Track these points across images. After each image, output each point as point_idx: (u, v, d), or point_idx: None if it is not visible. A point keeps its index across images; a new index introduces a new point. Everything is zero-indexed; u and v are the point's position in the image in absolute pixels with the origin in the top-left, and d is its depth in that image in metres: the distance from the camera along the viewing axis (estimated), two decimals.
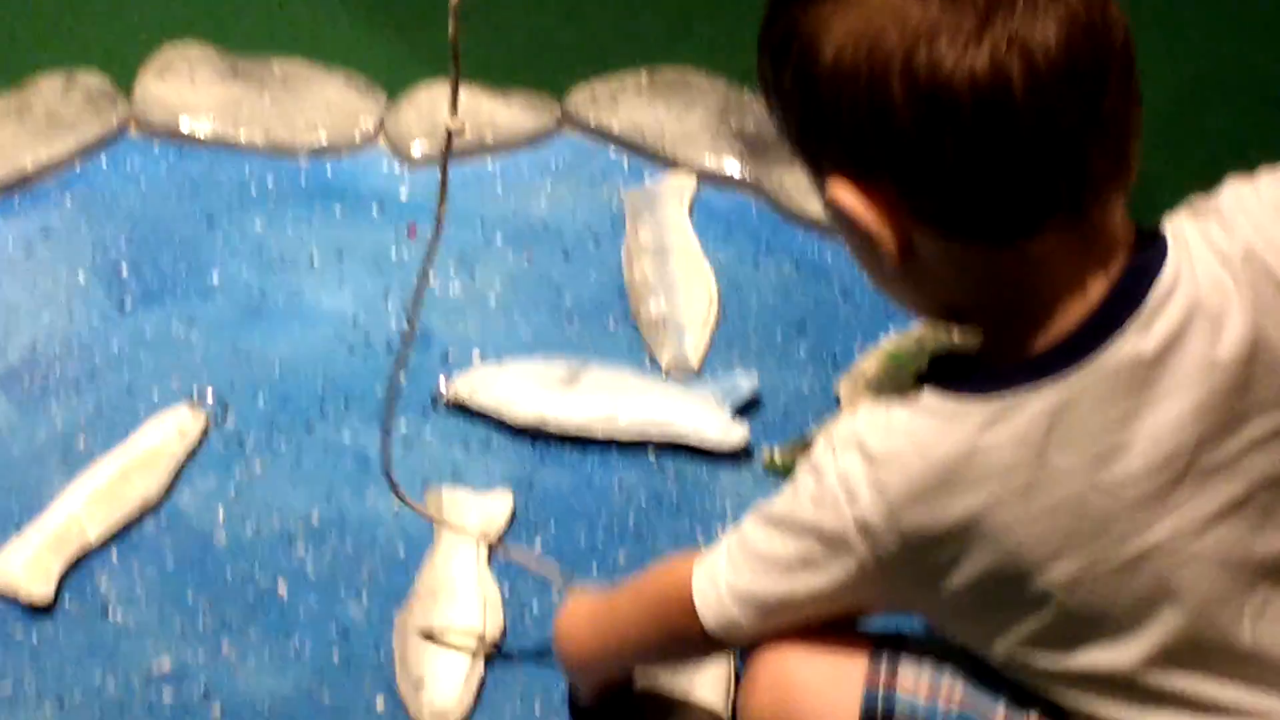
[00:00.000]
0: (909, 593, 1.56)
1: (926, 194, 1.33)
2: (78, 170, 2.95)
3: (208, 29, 3.21)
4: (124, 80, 3.07)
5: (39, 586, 2.31)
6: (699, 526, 2.46)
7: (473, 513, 2.42)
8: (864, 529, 1.44)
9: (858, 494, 1.42)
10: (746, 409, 2.53)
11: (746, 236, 2.82)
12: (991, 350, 1.46)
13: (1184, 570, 1.43)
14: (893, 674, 1.67)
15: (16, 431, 2.57)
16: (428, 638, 2.28)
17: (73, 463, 2.52)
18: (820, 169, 1.40)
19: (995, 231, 1.35)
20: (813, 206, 2.77)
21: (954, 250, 1.37)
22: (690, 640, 1.71)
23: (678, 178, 2.86)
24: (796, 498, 1.54)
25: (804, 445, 2.50)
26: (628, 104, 3.03)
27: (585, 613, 1.96)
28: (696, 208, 2.87)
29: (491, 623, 2.31)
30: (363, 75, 3.10)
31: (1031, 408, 1.36)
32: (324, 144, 2.94)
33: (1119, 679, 1.49)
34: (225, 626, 2.34)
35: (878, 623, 1.82)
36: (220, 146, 3.00)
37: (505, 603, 2.38)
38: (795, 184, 2.83)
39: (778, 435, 2.53)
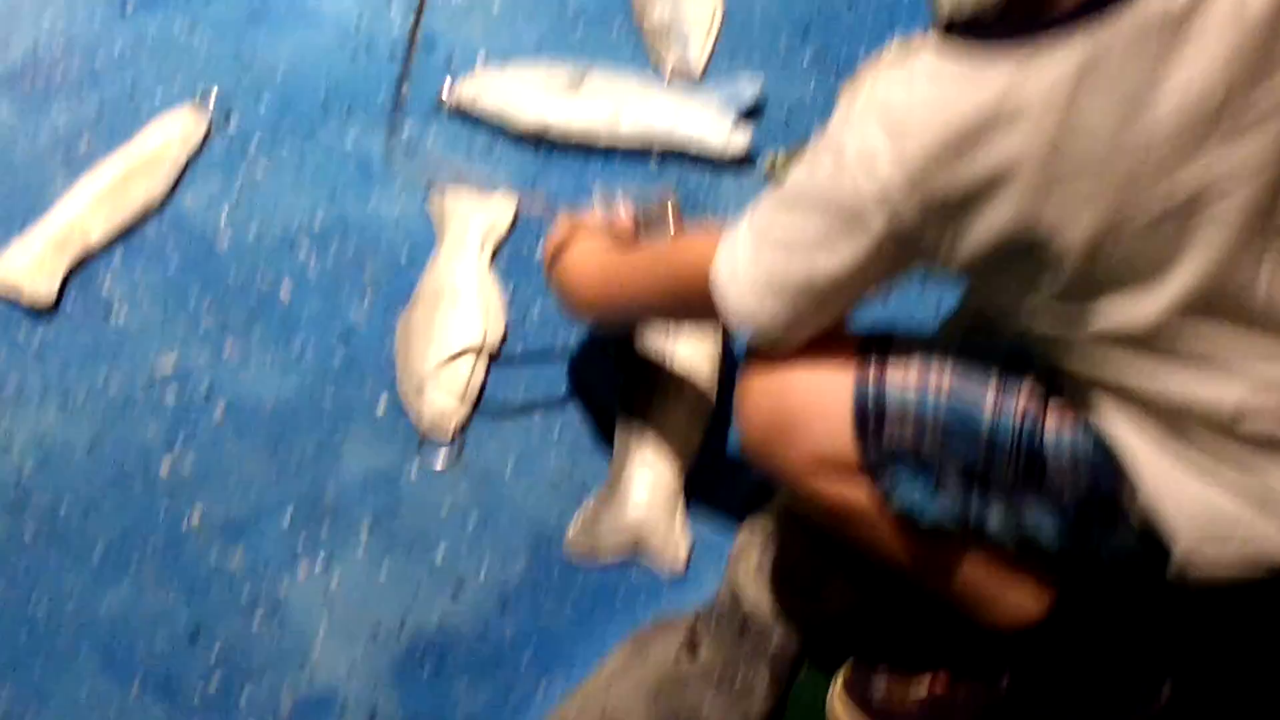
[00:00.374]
0: (926, 263, 1.56)
1: None
2: None
3: None
4: None
5: (42, 287, 2.32)
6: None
7: (476, 214, 2.43)
8: (883, 201, 1.45)
9: (877, 167, 1.43)
10: (749, 115, 2.51)
11: None
12: (1018, 4, 1.42)
13: (1208, 222, 1.45)
14: (881, 370, 1.68)
15: (18, 133, 2.55)
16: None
17: (75, 165, 2.51)
18: None
19: None
20: None
21: None
22: (702, 318, 1.76)
23: None
24: (814, 176, 1.53)
25: (806, 151, 2.45)
26: None
27: (598, 263, 1.95)
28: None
29: (493, 325, 2.33)
30: None
31: (1060, 58, 1.36)
32: None
33: (1137, 336, 1.51)
34: (228, 328, 2.36)
35: (866, 322, 1.84)
36: None
37: (508, 305, 2.40)
38: None
39: (780, 141, 2.52)
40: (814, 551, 2.19)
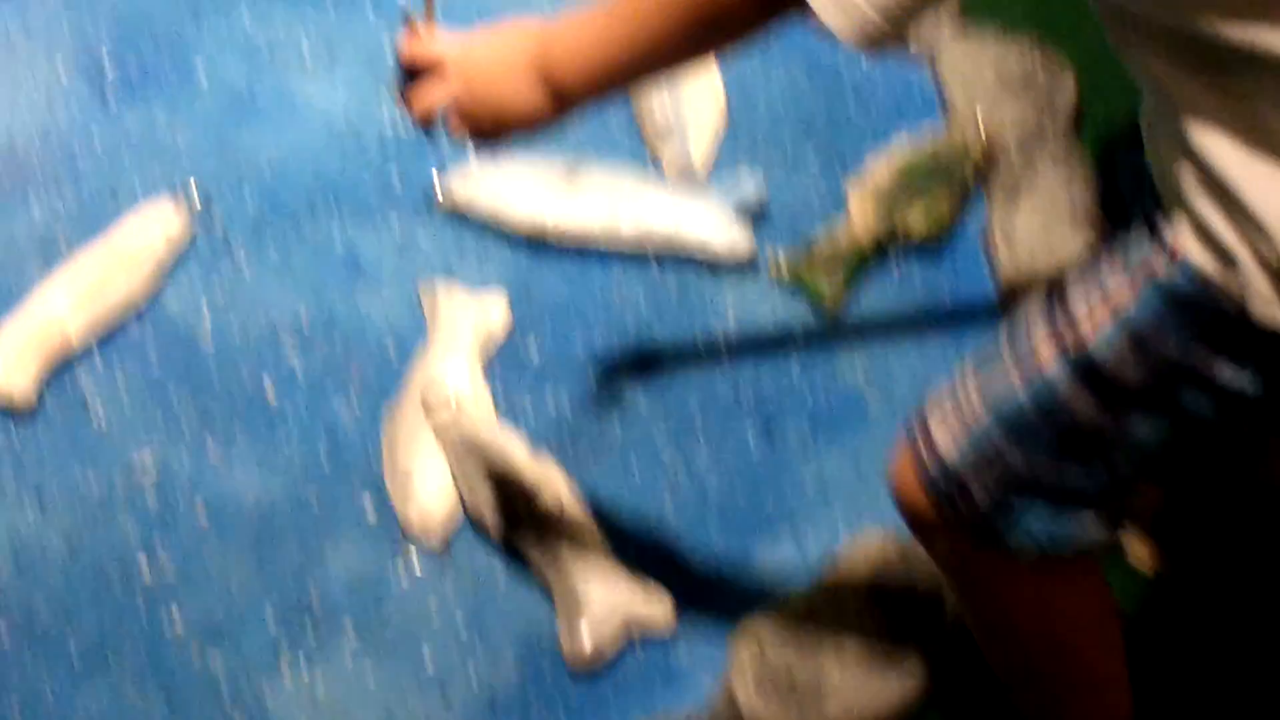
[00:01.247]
0: None
1: None
2: None
3: None
4: None
5: (19, 386, 2.35)
6: (700, 336, 2.47)
7: (468, 312, 2.44)
8: None
9: None
10: (752, 215, 2.53)
11: (763, 60, 2.77)
12: None
13: None
14: (929, 441, 1.73)
15: None
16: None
17: (53, 261, 2.54)
18: None
19: None
20: None
21: None
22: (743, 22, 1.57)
23: None
24: None
25: (811, 254, 2.53)
26: None
27: (558, 32, 1.70)
28: None
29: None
30: None
31: None
32: None
33: None
34: (211, 428, 2.38)
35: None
36: None
37: (497, 405, 2.41)
38: None
39: (785, 242, 2.54)
40: (811, 655, 2.21)
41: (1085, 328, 1.63)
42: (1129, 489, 1.76)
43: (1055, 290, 1.67)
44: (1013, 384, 1.68)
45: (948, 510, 1.72)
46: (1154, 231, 1.57)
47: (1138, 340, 1.59)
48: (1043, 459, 1.68)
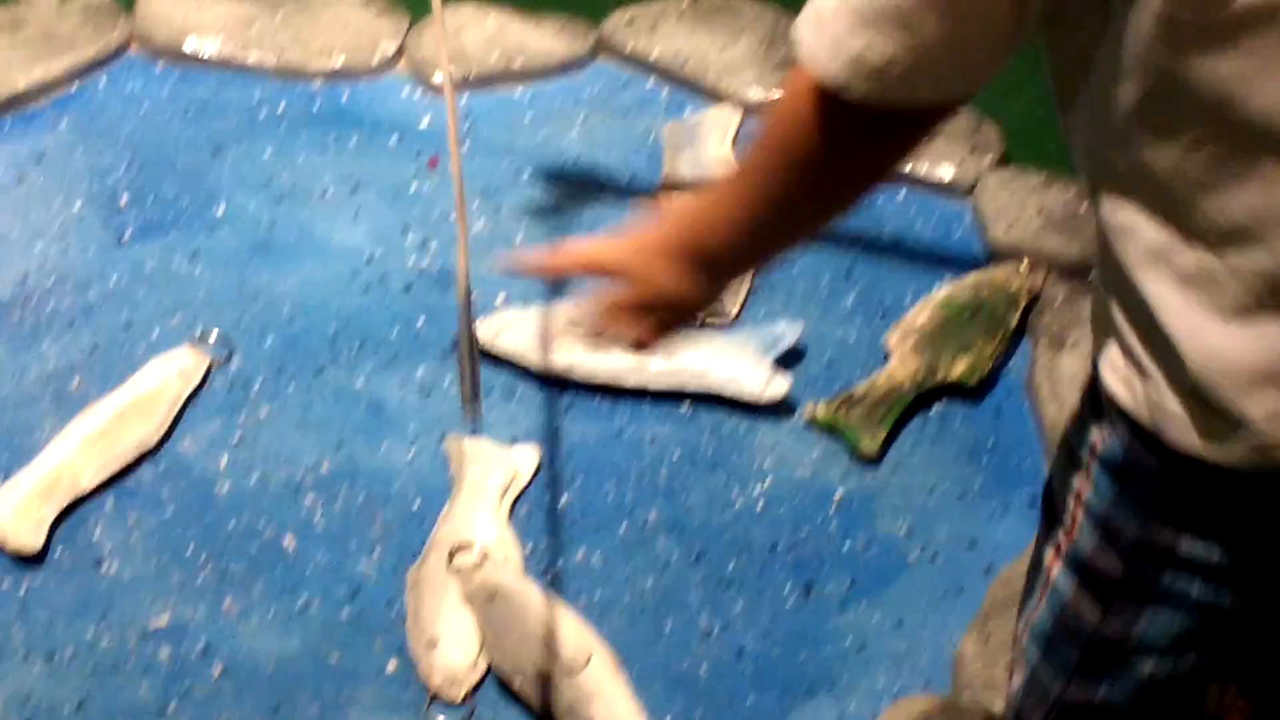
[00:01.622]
0: None
1: None
2: (74, 91, 2.94)
3: None
4: None
5: (28, 536, 2.32)
6: (735, 484, 2.46)
7: (496, 462, 2.43)
8: None
9: None
10: (788, 360, 2.54)
11: None
12: None
13: None
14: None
15: (6, 370, 2.56)
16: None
17: (66, 405, 2.51)
18: None
19: None
20: None
21: None
22: (832, 134, 1.53)
23: (721, 110, 2.84)
24: None
25: (850, 399, 2.52)
26: (668, 31, 3.01)
27: (696, 208, 1.70)
28: (740, 143, 2.84)
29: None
30: None
31: None
32: (340, 68, 2.94)
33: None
34: (227, 581, 2.34)
35: None
36: (228, 68, 2.97)
37: (526, 561, 2.38)
38: None
39: (821, 389, 2.54)
40: None
41: (1070, 526, 1.67)
42: (1175, 696, 1.76)
43: (1046, 497, 1.70)
44: (1040, 603, 1.72)
45: None
46: (1094, 399, 1.59)
47: (1105, 528, 1.62)
48: (1075, 679, 1.71)
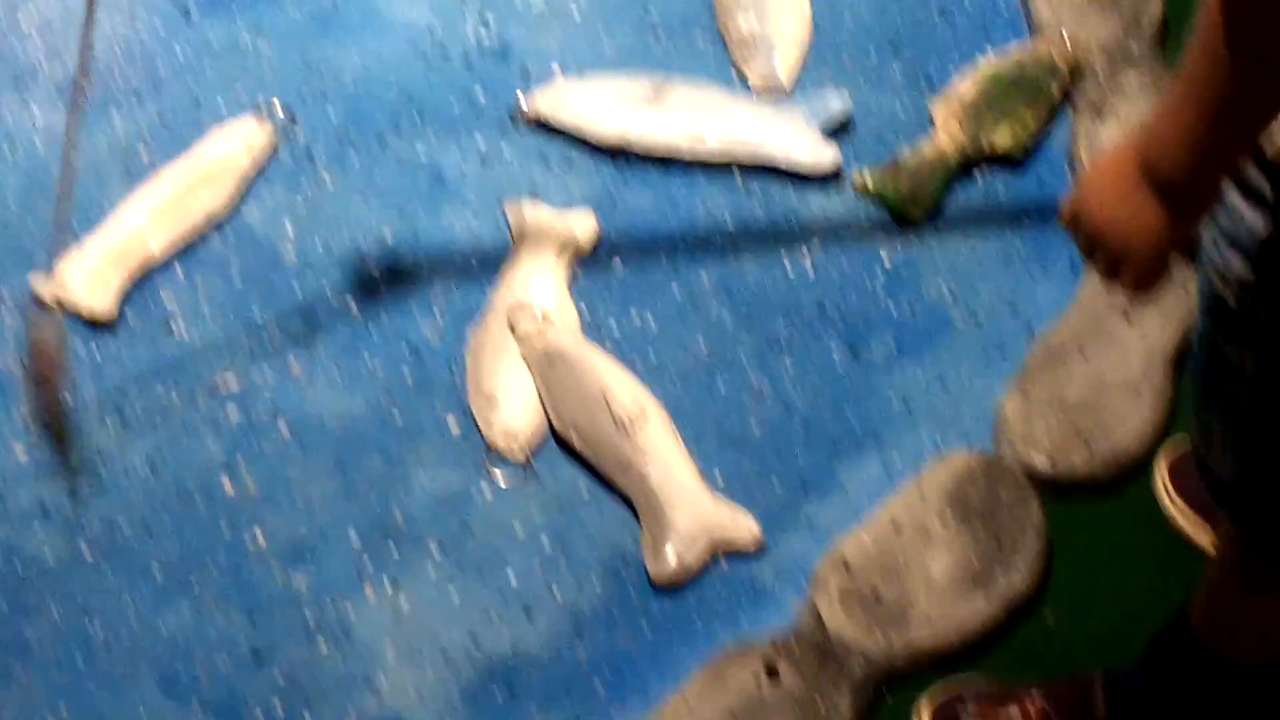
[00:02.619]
0: None
1: None
2: None
3: None
4: None
5: (100, 301, 2.34)
6: (785, 251, 2.48)
7: (554, 229, 2.44)
8: None
9: None
10: (838, 130, 2.54)
11: None
12: None
13: None
14: None
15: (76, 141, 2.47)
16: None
17: (135, 174, 2.53)
18: None
19: None
20: None
21: None
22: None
23: None
24: None
25: (897, 168, 2.54)
26: None
27: (1142, 145, 1.57)
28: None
29: None
30: None
31: None
32: None
33: None
34: (294, 344, 2.37)
35: None
36: None
37: (583, 324, 2.41)
38: None
39: (870, 158, 2.54)
40: (897, 575, 2.24)
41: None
42: None
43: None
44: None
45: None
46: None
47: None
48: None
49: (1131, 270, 1.60)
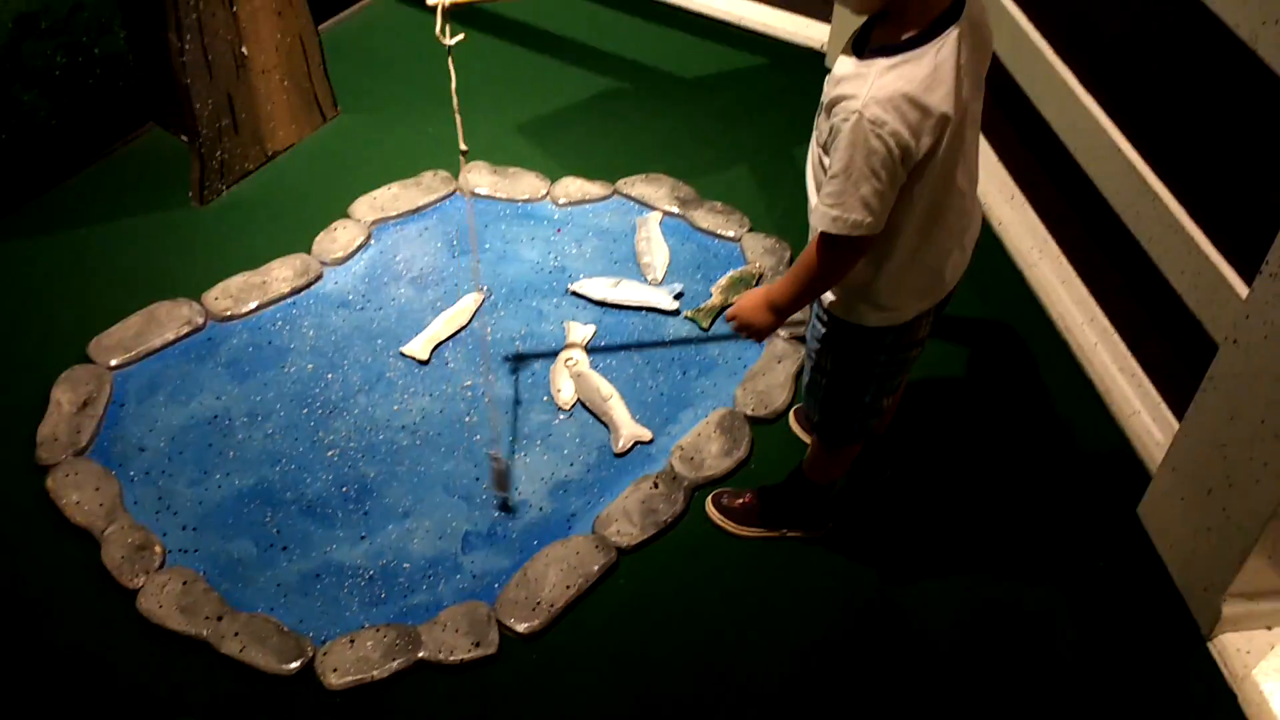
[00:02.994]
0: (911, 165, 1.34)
1: None
2: None
3: None
4: None
5: (423, 353, 2.36)
6: (660, 338, 2.57)
7: (582, 331, 2.55)
8: (900, 141, 1.30)
9: (888, 123, 1.28)
10: (679, 296, 2.65)
11: (678, 238, 2.81)
12: (905, 24, 1.27)
13: (972, 124, 1.40)
14: None
15: (413, 302, 2.56)
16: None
17: (437, 312, 2.54)
18: None
19: None
20: (710, 227, 2.85)
21: None
22: (842, 263, 1.45)
23: (655, 214, 2.84)
24: (864, 161, 1.30)
25: (697, 310, 2.62)
26: (639, 189, 2.91)
27: (769, 294, 1.60)
28: (663, 225, 2.85)
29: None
30: None
31: (949, 41, 1.28)
32: None
33: (955, 184, 1.44)
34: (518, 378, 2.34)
35: None
36: None
37: (590, 364, 2.46)
38: (709, 219, 2.85)
39: (689, 306, 2.64)
40: (700, 451, 2.32)
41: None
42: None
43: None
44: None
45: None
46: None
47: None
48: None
49: (758, 336, 1.68)
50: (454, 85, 1.76)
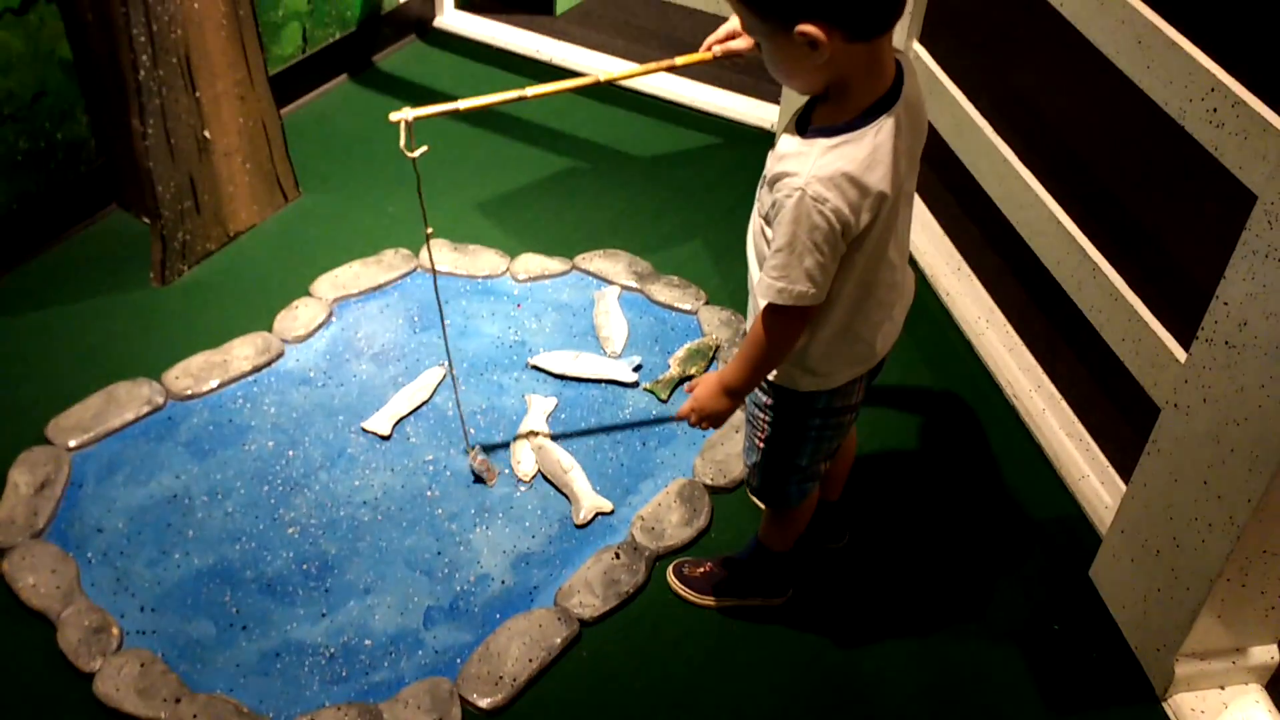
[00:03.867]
0: (849, 238, 1.35)
1: (851, 21, 1.22)
2: None
3: None
4: None
5: (383, 428, 2.34)
6: (619, 410, 2.56)
7: (544, 403, 2.54)
8: (841, 217, 1.32)
9: (830, 200, 1.30)
10: (638, 368, 2.64)
11: (636, 311, 2.80)
12: (845, 107, 1.30)
13: (906, 203, 1.42)
14: None
15: (373, 378, 2.56)
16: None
17: (397, 387, 2.53)
18: (787, 21, 1.21)
19: (873, 32, 1.25)
20: (667, 300, 2.88)
21: (853, 48, 1.25)
22: (789, 331, 1.46)
23: (613, 289, 2.84)
24: (807, 235, 1.31)
25: (656, 381, 2.62)
26: (597, 264, 2.94)
27: (722, 379, 1.60)
28: (621, 299, 2.84)
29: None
30: None
31: (887, 124, 1.29)
32: None
33: (887, 257, 1.45)
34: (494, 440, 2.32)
35: None
36: None
37: (551, 435, 2.46)
38: (666, 293, 2.86)
39: (648, 378, 2.64)
40: (660, 520, 2.33)
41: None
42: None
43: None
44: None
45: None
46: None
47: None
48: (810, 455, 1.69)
49: (714, 423, 1.66)
50: (420, 191, 1.87)
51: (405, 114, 1.66)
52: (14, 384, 2.34)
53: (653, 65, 1.65)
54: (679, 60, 1.63)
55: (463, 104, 1.70)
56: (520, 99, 1.66)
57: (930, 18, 2.57)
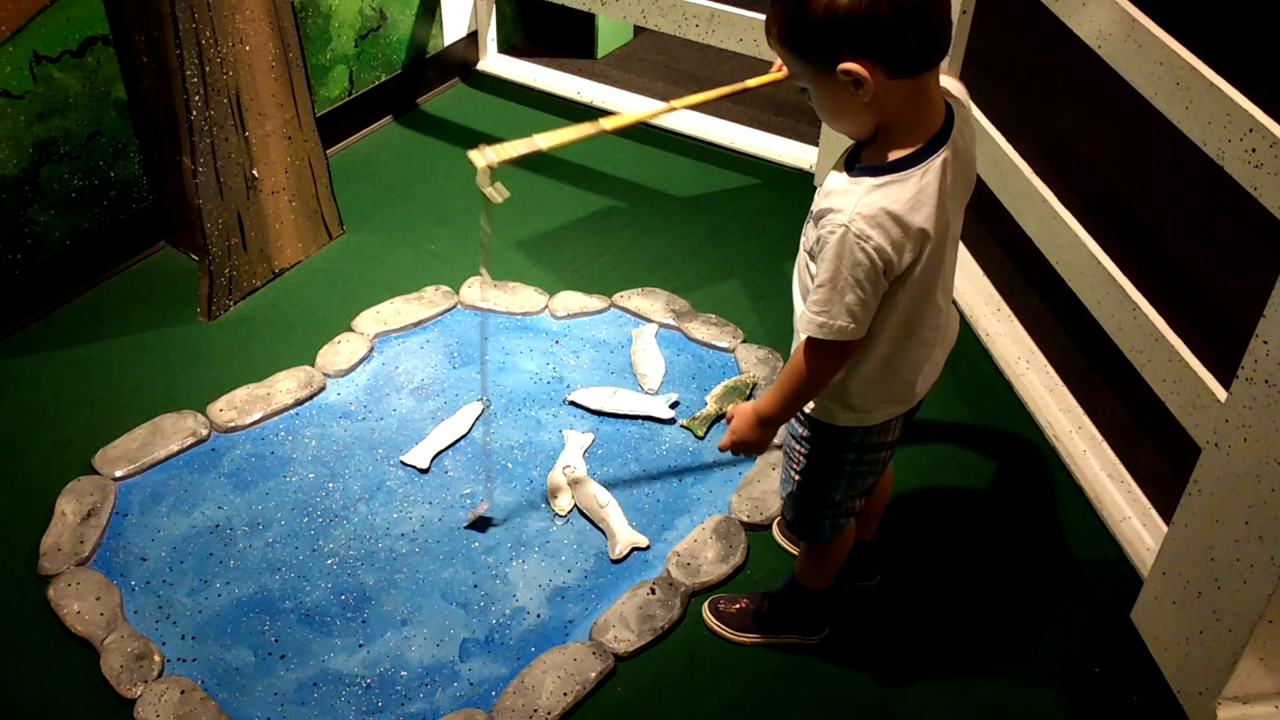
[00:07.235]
0: (891, 279, 1.35)
1: (893, 57, 1.21)
2: None
3: None
4: None
5: (423, 461, 2.38)
6: (656, 446, 2.55)
7: (581, 439, 2.54)
8: (883, 255, 1.32)
9: (873, 238, 1.30)
10: (675, 405, 2.64)
11: (673, 349, 2.80)
12: (893, 147, 1.29)
13: (952, 244, 1.42)
14: None
15: (414, 412, 2.56)
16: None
17: (436, 421, 2.53)
18: (830, 61, 1.22)
19: (915, 68, 1.24)
20: (704, 338, 2.87)
21: (897, 85, 1.24)
22: (827, 366, 1.46)
23: (650, 326, 2.84)
24: (849, 272, 1.31)
25: (694, 418, 2.60)
26: (635, 302, 2.94)
27: (757, 408, 1.60)
28: (659, 337, 2.84)
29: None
30: None
31: (934, 166, 1.30)
32: None
33: (933, 299, 1.46)
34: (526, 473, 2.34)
35: None
36: None
37: (588, 471, 2.45)
38: (703, 331, 2.84)
39: (685, 415, 2.62)
40: (696, 557, 2.29)
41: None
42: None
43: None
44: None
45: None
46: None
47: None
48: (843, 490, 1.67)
49: (751, 452, 1.66)
50: (487, 228, 1.91)
51: (487, 154, 1.64)
52: (63, 415, 2.38)
53: (724, 89, 1.64)
54: (751, 82, 1.62)
55: (541, 139, 1.65)
56: (599, 133, 1.64)
57: (969, 60, 2.59)
